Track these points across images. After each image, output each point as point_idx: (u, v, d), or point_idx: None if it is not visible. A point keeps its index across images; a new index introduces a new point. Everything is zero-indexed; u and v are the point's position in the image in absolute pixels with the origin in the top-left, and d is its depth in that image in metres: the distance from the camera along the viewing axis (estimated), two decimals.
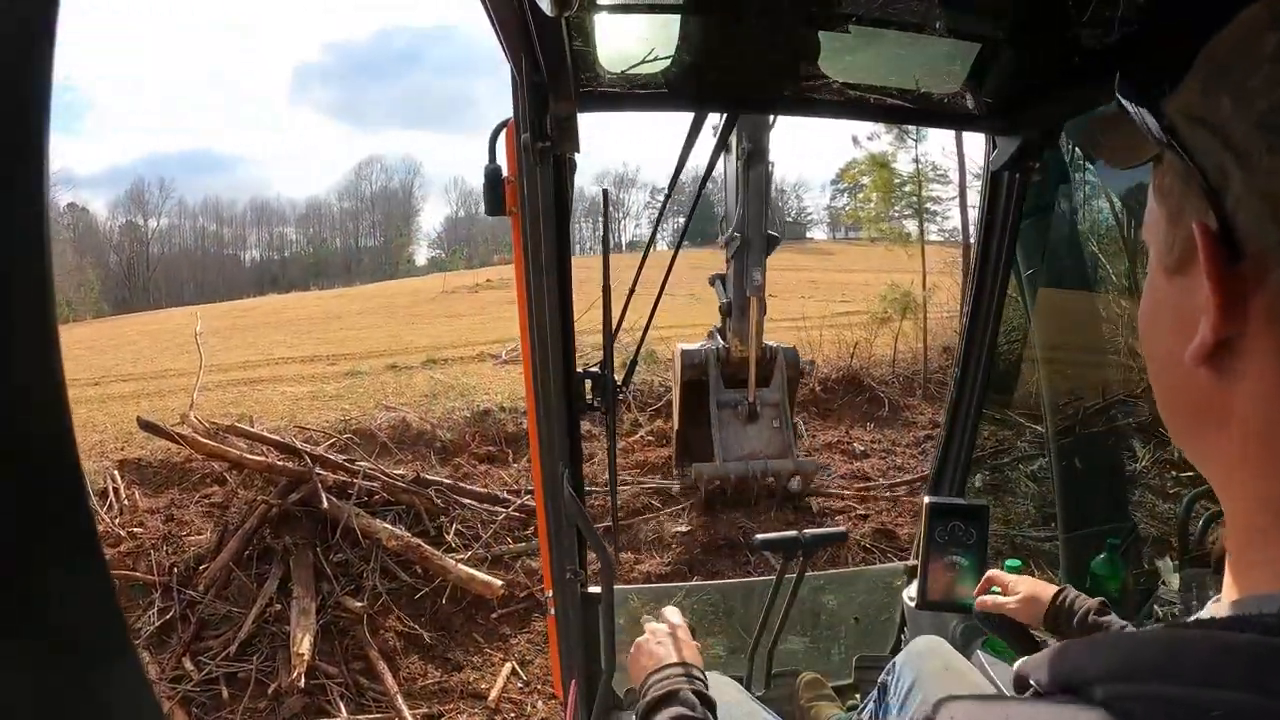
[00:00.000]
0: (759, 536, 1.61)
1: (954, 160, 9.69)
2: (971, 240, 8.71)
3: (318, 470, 4.43)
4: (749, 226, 4.06)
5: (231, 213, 56.12)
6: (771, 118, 3.40)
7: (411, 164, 61.36)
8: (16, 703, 0.25)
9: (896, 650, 1.72)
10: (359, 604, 3.87)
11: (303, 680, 3.39)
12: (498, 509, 4.73)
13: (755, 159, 3.70)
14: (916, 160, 10.07)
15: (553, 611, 1.54)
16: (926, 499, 1.62)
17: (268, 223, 56.60)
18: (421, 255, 57.53)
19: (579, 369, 1.39)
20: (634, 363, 1.47)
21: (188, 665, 3.62)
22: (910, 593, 1.68)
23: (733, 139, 3.66)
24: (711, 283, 4.98)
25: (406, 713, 3.39)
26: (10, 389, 0.24)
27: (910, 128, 8.44)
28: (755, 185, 3.82)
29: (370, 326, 13.19)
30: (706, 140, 1.41)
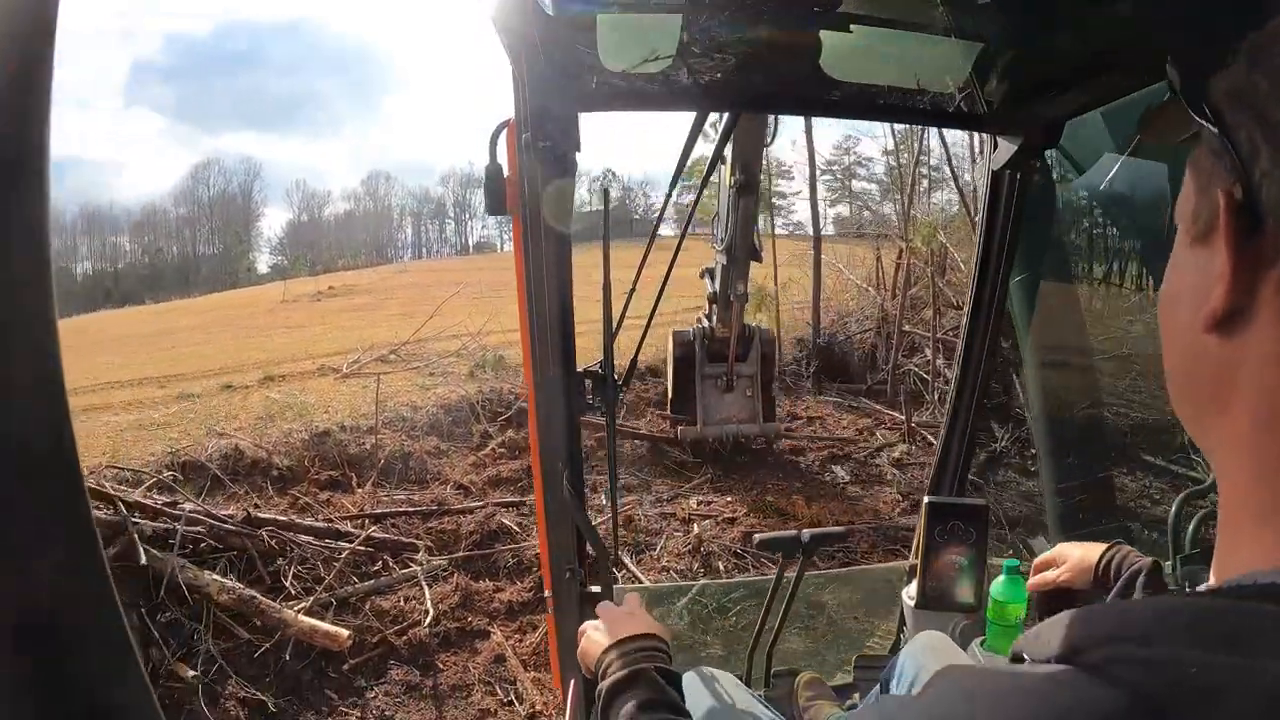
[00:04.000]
0: (759, 536, 1.61)
1: (802, 155, 9.82)
2: (823, 233, 8.91)
3: (135, 518, 3.89)
4: (737, 246, 4.58)
5: (60, 222, 51.61)
6: (768, 140, 3.66)
7: (252, 166, 58.05)
8: (16, 701, 0.25)
9: (896, 649, 1.72)
10: (192, 672, 3.42)
11: None
12: (341, 545, 4.28)
13: (746, 190, 4.07)
14: (764, 156, 10.22)
15: (552, 611, 1.55)
16: (926, 498, 1.62)
17: (100, 232, 53.35)
18: (263, 262, 53.46)
19: (579, 368, 1.39)
20: (634, 362, 1.47)
21: None
22: (910, 592, 1.68)
23: (728, 154, 3.87)
24: (701, 276, 5.66)
25: None
26: (10, 390, 0.24)
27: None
28: (744, 212, 4.28)
29: (206, 342, 12.23)
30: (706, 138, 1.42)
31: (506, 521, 4.77)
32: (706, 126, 1.39)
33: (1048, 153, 1.41)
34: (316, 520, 4.56)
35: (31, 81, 0.23)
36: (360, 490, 5.15)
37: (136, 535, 3.74)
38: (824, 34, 1.04)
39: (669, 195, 1.56)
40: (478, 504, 5.05)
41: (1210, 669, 0.27)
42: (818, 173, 9.64)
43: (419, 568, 4.25)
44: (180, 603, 3.68)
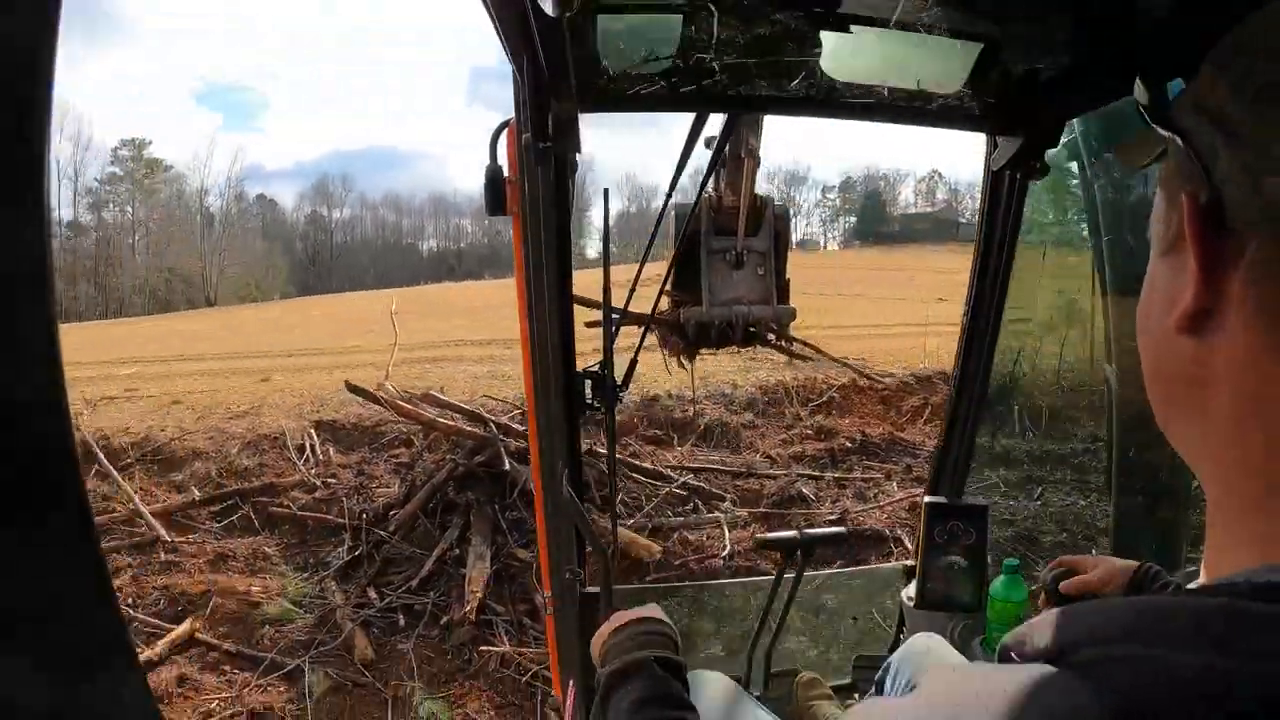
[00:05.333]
0: (759, 536, 1.62)
1: None
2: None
3: (501, 437, 4.91)
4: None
5: (410, 205, 57.96)
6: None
7: (585, 161, 62.57)
8: (14, 703, 0.25)
9: (895, 650, 1.72)
10: (529, 554, 4.22)
11: (473, 615, 3.83)
12: (661, 484, 5.22)
13: None
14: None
15: (551, 612, 1.54)
16: (926, 499, 1.62)
17: (445, 215, 58.70)
18: (592, 248, 58.42)
19: (579, 369, 1.39)
20: (634, 363, 1.47)
21: (371, 594, 4.18)
22: (909, 592, 1.68)
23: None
24: (708, 144, 5.19)
25: None
26: (9, 388, 0.24)
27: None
28: None
29: None
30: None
31: (804, 490, 5.36)
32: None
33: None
34: (643, 463, 5.49)
35: (32, 82, 0.23)
36: (680, 448, 5.94)
37: (502, 448, 4.75)
38: (824, 34, 1.04)
39: (668, 196, 1.55)
40: (781, 472, 5.63)
41: (1199, 671, 0.26)
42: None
43: (723, 514, 4.98)
44: (528, 505, 4.47)
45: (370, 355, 8.87)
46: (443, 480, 4.72)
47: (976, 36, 1.05)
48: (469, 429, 5.12)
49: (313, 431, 5.76)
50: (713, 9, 0.97)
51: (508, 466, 4.66)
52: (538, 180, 1.15)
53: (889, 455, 6.41)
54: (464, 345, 9.81)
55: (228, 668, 3.77)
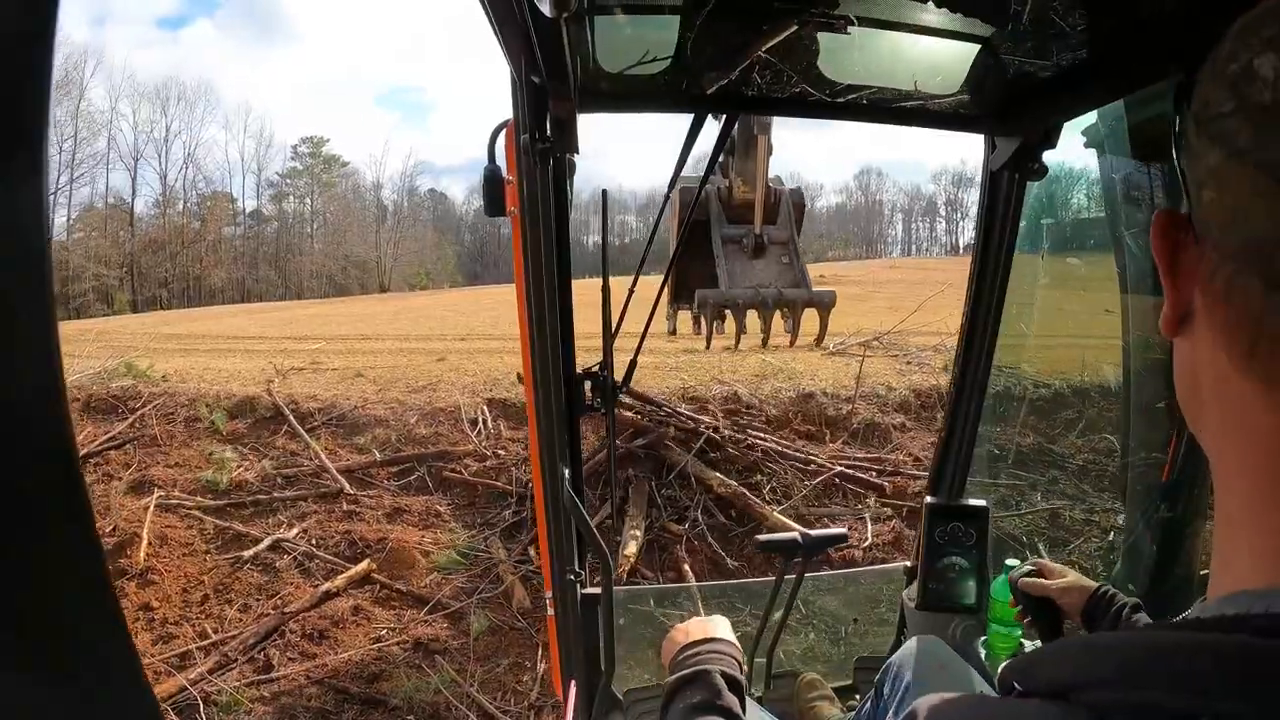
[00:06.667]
0: (759, 537, 1.62)
1: None
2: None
3: (658, 426, 5.38)
4: None
5: (577, 201, 61.27)
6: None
7: None
8: (15, 704, 0.25)
9: (896, 652, 1.72)
10: (679, 528, 4.70)
11: (624, 577, 4.08)
12: (810, 468, 5.46)
13: None
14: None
15: (552, 612, 1.54)
16: (926, 499, 1.62)
17: (610, 211, 59.43)
18: None
19: (578, 369, 1.40)
20: (634, 363, 1.47)
21: (532, 553, 4.50)
22: (910, 593, 1.68)
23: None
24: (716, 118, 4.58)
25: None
26: (10, 389, 0.24)
27: None
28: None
29: None
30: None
31: None
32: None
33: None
34: (797, 453, 5.74)
35: (31, 81, 0.23)
36: (831, 444, 6.10)
37: (662, 435, 5.24)
38: (822, 35, 1.04)
39: (668, 196, 1.55)
40: (925, 473, 5.59)
41: (1215, 716, 0.26)
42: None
43: (867, 510, 5.24)
44: (683, 486, 5.01)
45: None
46: (605, 458, 4.87)
47: (974, 37, 1.05)
48: (630, 415, 5.46)
49: (485, 407, 6.20)
50: (709, 10, 0.97)
51: (666, 449, 5.16)
52: (536, 181, 1.15)
53: (1036, 465, 6.33)
54: (626, 337, 10.68)
55: (397, 604, 4.31)
